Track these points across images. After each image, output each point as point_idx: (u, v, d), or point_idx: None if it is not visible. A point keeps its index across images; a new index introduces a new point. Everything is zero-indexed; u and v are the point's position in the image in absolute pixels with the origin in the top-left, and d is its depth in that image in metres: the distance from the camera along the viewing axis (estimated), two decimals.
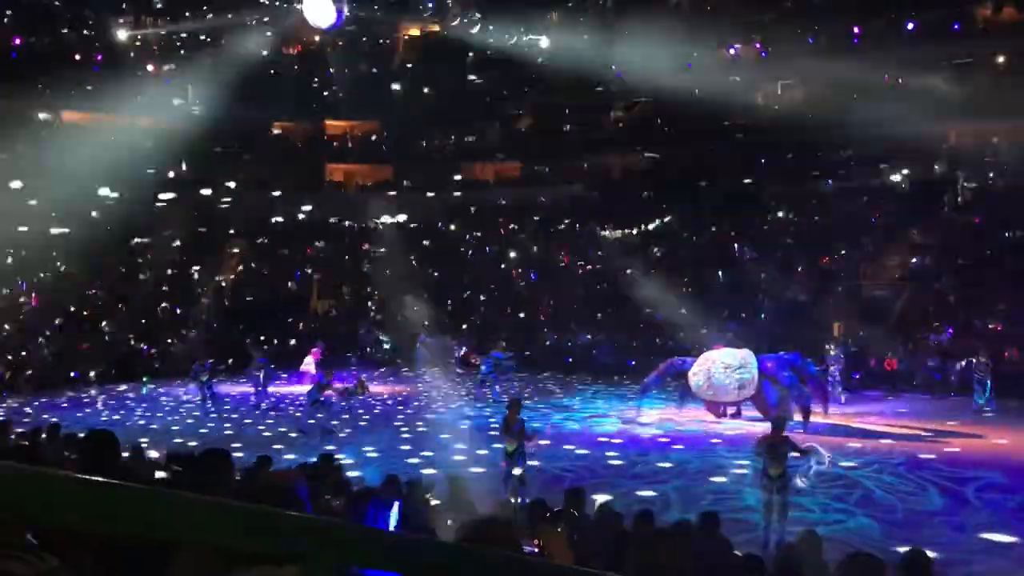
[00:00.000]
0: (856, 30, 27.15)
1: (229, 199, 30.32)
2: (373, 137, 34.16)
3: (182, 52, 30.86)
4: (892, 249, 23.51)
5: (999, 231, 22.53)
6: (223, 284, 27.72)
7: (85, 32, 29.55)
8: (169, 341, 23.83)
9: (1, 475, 1.18)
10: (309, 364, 21.08)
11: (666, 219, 28.43)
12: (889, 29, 26.73)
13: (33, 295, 24.56)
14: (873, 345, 20.26)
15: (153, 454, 10.36)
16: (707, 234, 27.07)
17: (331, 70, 32.89)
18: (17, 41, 28.70)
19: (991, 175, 24.65)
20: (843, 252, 23.92)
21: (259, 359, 19.00)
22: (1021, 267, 20.46)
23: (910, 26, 26.22)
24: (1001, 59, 25.96)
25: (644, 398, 15.95)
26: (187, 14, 29.78)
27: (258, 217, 30.02)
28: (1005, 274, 20.77)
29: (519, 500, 9.02)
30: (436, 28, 31.21)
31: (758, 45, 28.72)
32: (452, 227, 31.22)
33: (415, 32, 34.35)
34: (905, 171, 25.63)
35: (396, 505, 6.83)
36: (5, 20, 28.55)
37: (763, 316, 22.23)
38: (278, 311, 26.25)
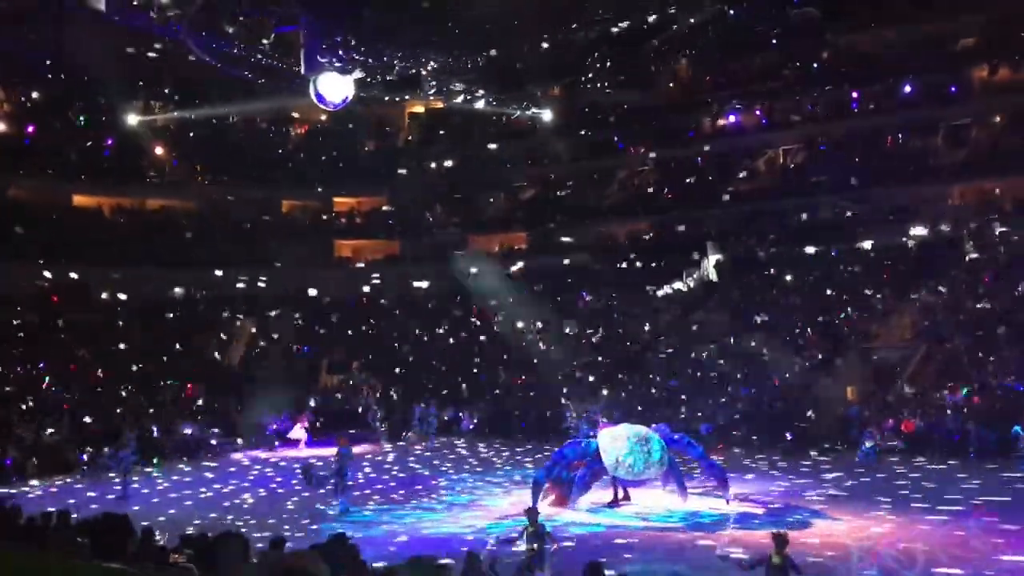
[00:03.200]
0: (854, 95, 27.59)
1: (236, 276, 30.49)
2: (380, 212, 34.55)
3: (191, 134, 31.47)
4: (902, 309, 23.46)
5: (1008, 287, 22.51)
6: (229, 361, 27.80)
7: (96, 116, 30.13)
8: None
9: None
10: (298, 431, 22.35)
11: (675, 285, 28.44)
12: (887, 93, 27.15)
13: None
14: (888, 408, 20.09)
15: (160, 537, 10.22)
16: (716, 298, 27.06)
17: (337, 148, 33.44)
18: (30, 128, 29.36)
19: (997, 231, 24.74)
20: (852, 313, 23.89)
21: (121, 454, 17.71)
22: None
23: (907, 89, 26.60)
24: (998, 119, 26.31)
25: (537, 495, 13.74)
26: (196, 98, 30.40)
27: (266, 293, 30.15)
28: (1018, 331, 20.68)
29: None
30: (439, 104, 31.77)
31: (759, 112, 29.14)
32: (459, 298, 31.28)
33: (419, 108, 34.99)
34: (912, 231, 25.76)
35: None
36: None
37: (776, 383, 22.16)
38: (287, 386, 26.25)
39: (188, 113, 30.14)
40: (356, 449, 20.32)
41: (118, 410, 23.05)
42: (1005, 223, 24.56)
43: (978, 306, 22.41)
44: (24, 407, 22.06)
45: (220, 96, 30.03)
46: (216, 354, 28.04)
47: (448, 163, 34.58)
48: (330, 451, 16.51)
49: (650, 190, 31.58)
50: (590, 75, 30.59)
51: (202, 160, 32.07)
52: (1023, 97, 24.89)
